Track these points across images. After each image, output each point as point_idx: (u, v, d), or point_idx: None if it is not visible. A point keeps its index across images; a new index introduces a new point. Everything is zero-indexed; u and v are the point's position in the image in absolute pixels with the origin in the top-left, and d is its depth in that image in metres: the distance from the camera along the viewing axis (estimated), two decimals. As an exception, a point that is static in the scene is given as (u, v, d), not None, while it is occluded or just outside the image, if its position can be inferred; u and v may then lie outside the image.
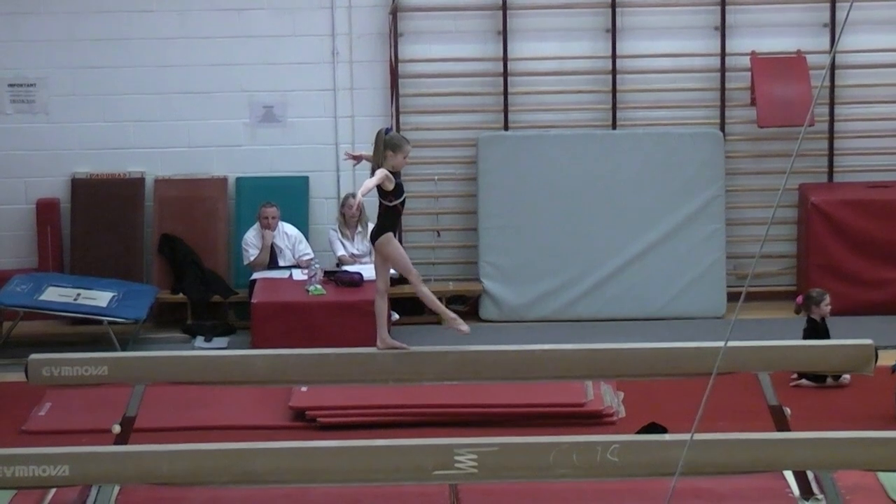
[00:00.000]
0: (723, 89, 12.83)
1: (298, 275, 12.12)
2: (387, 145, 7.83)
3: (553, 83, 12.89)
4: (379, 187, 7.80)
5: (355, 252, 12.46)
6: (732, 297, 12.59)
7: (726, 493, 8.22)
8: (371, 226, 8.23)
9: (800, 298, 10.79)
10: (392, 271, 8.21)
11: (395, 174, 7.85)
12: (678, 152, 12.62)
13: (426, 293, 8.03)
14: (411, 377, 8.20)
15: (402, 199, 7.90)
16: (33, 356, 8.12)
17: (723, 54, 12.77)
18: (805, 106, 12.23)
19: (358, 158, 8.28)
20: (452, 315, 8.17)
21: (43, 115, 12.85)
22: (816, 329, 10.57)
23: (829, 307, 10.65)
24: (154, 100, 12.83)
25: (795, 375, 10.53)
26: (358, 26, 12.81)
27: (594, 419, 9.93)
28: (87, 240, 12.79)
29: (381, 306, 8.01)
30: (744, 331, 10.65)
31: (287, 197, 12.71)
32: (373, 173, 7.85)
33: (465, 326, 8.09)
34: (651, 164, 12.62)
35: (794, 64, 12.62)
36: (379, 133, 7.91)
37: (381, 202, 7.89)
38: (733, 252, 12.83)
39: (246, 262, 12.47)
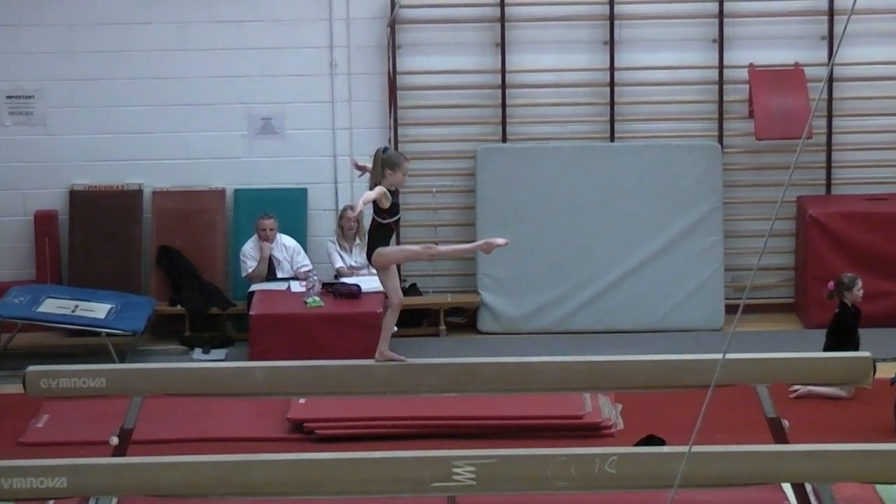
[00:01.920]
0: (721, 101, 12.84)
1: (297, 287, 12.11)
2: (385, 164, 7.83)
3: (551, 95, 12.90)
4: (375, 203, 7.79)
5: (353, 264, 12.45)
6: (730, 310, 12.58)
7: (724, 505, 8.23)
8: (369, 238, 8.20)
9: (831, 284, 10.76)
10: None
11: (393, 193, 7.84)
12: (676, 164, 12.63)
13: (447, 250, 8.42)
14: (409, 389, 8.18)
15: (396, 217, 7.90)
16: (31, 368, 8.09)
17: (721, 67, 12.78)
18: (803, 118, 12.24)
19: (362, 169, 8.23)
20: (485, 240, 8.10)
21: (41, 127, 12.85)
22: (847, 315, 10.53)
23: (862, 292, 10.63)
24: (152, 112, 12.83)
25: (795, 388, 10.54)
26: (356, 38, 12.81)
27: (592, 431, 9.94)
28: (85, 251, 12.78)
29: (391, 320, 7.97)
30: (742, 343, 10.66)
31: (285, 209, 12.70)
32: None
33: (501, 241, 8.00)
34: (649, 177, 12.62)
35: (791, 76, 12.63)
36: (377, 153, 7.89)
37: (374, 218, 7.87)
38: (731, 264, 12.83)
39: (244, 274, 12.46)
